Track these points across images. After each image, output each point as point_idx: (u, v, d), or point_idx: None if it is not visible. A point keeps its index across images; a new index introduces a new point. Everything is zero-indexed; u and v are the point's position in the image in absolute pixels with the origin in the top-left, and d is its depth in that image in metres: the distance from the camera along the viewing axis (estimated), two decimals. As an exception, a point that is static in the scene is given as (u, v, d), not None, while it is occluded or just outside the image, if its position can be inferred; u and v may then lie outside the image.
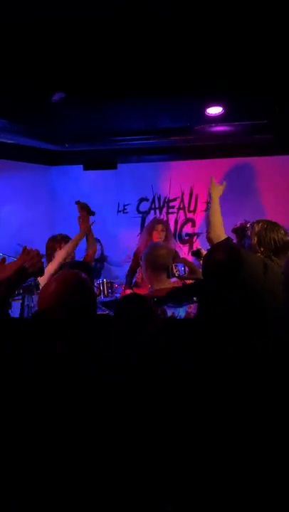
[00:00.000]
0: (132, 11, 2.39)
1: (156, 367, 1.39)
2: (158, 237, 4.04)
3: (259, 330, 1.52)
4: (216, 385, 1.33)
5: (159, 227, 4.10)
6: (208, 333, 1.54)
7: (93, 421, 1.30)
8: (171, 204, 5.46)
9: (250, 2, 2.33)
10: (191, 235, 5.39)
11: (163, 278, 2.50)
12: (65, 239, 3.32)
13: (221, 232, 2.30)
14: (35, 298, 4.33)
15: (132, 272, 4.31)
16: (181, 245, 5.26)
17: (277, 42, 2.76)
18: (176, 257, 3.10)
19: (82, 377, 1.35)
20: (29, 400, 1.32)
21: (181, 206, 5.44)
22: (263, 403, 1.29)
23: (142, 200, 5.56)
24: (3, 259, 1.70)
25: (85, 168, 5.51)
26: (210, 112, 4.06)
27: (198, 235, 5.30)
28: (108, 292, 4.14)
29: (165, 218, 5.37)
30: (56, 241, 3.33)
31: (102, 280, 4.18)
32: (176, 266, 2.47)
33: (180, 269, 2.46)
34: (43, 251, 2.62)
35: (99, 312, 3.72)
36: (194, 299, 1.59)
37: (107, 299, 4.12)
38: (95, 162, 5.44)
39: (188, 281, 2.56)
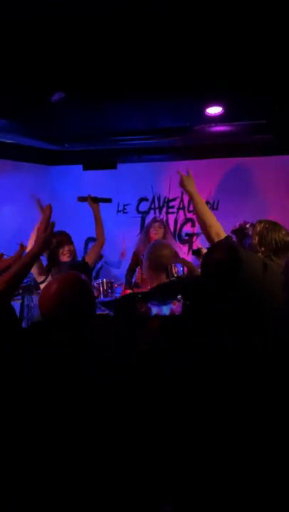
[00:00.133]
0: (132, 11, 2.39)
1: (156, 367, 1.39)
2: (155, 234, 4.05)
3: (258, 330, 1.52)
4: (216, 385, 1.33)
5: (156, 224, 4.13)
6: (196, 332, 1.54)
7: (93, 421, 1.30)
8: (170, 204, 5.47)
9: (250, 2, 2.33)
10: (190, 235, 5.40)
11: (163, 278, 2.50)
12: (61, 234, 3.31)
13: (219, 230, 2.25)
14: (35, 298, 4.34)
15: (131, 271, 4.32)
16: (181, 245, 5.27)
17: (277, 42, 2.76)
18: (175, 257, 3.09)
19: (82, 377, 1.35)
20: (29, 400, 1.32)
21: (181, 206, 5.44)
22: (263, 403, 1.29)
23: (141, 200, 5.56)
24: (1, 255, 1.68)
25: (85, 168, 5.51)
26: (210, 112, 4.06)
27: (197, 234, 5.30)
28: (108, 292, 4.14)
29: (165, 218, 5.38)
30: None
31: (102, 280, 4.19)
32: (175, 266, 2.47)
33: (179, 269, 2.46)
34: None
35: (99, 312, 3.72)
36: (179, 296, 1.57)
37: (107, 299, 4.12)
38: (94, 162, 5.45)
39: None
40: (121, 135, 4.76)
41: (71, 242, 3.34)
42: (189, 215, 5.41)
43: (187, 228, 5.42)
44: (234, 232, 2.30)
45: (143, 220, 5.52)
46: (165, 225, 4.28)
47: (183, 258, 3.25)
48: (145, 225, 4.81)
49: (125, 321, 1.70)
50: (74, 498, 1.27)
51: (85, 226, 4.81)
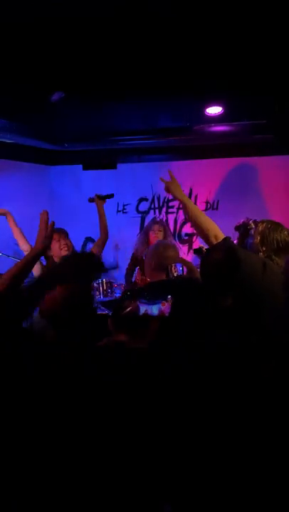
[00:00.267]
0: (132, 11, 2.39)
1: (156, 367, 1.39)
2: (155, 237, 4.04)
3: (258, 329, 1.52)
4: (216, 385, 1.33)
5: (156, 227, 4.10)
6: (193, 332, 1.54)
7: (93, 421, 1.30)
8: (170, 204, 5.46)
9: (250, 2, 2.33)
10: (190, 235, 5.39)
11: (162, 278, 2.50)
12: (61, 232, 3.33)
13: (217, 232, 2.20)
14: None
15: (130, 271, 4.32)
16: (181, 245, 5.26)
17: (276, 42, 2.76)
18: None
19: (82, 377, 1.35)
20: (29, 400, 1.32)
21: (181, 206, 5.42)
22: (263, 403, 1.29)
23: (141, 199, 5.56)
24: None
25: (85, 168, 5.51)
26: (209, 112, 4.06)
27: (197, 234, 5.30)
28: (108, 292, 4.14)
29: (165, 218, 5.37)
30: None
31: (102, 280, 4.18)
32: (174, 266, 2.47)
33: (178, 269, 2.46)
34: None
35: (99, 312, 3.72)
36: (169, 297, 1.56)
37: (107, 299, 4.12)
38: (94, 162, 5.44)
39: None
40: (121, 135, 4.76)
41: (67, 237, 3.43)
42: (189, 215, 5.40)
43: (187, 228, 5.42)
44: (237, 228, 2.28)
45: (143, 220, 5.51)
46: (165, 225, 4.26)
47: (182, 258, 3.25)
48: (145, 225, 4.80)
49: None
50: (74, 498, 1.26)
51: (84, 226, 4.82)
